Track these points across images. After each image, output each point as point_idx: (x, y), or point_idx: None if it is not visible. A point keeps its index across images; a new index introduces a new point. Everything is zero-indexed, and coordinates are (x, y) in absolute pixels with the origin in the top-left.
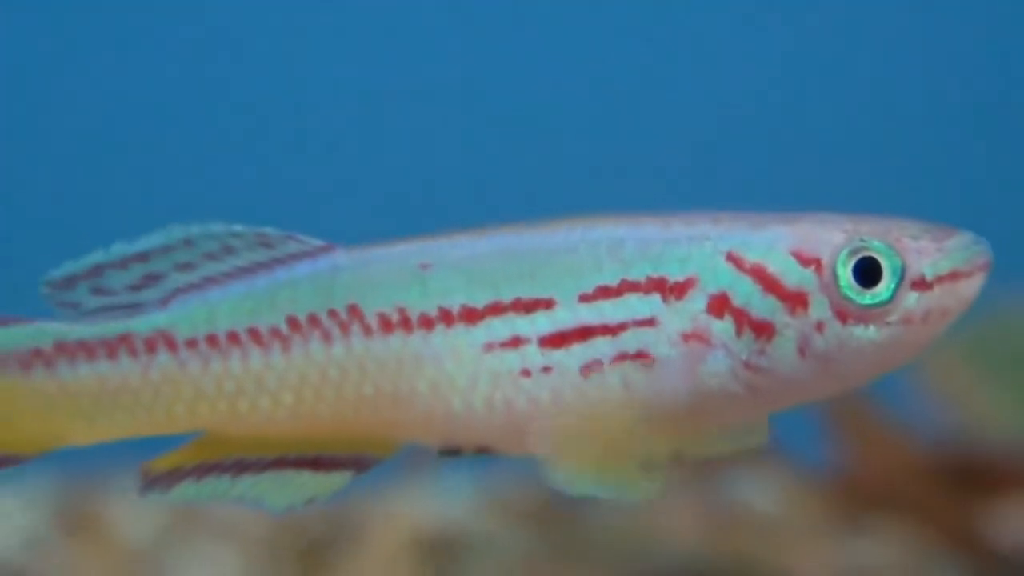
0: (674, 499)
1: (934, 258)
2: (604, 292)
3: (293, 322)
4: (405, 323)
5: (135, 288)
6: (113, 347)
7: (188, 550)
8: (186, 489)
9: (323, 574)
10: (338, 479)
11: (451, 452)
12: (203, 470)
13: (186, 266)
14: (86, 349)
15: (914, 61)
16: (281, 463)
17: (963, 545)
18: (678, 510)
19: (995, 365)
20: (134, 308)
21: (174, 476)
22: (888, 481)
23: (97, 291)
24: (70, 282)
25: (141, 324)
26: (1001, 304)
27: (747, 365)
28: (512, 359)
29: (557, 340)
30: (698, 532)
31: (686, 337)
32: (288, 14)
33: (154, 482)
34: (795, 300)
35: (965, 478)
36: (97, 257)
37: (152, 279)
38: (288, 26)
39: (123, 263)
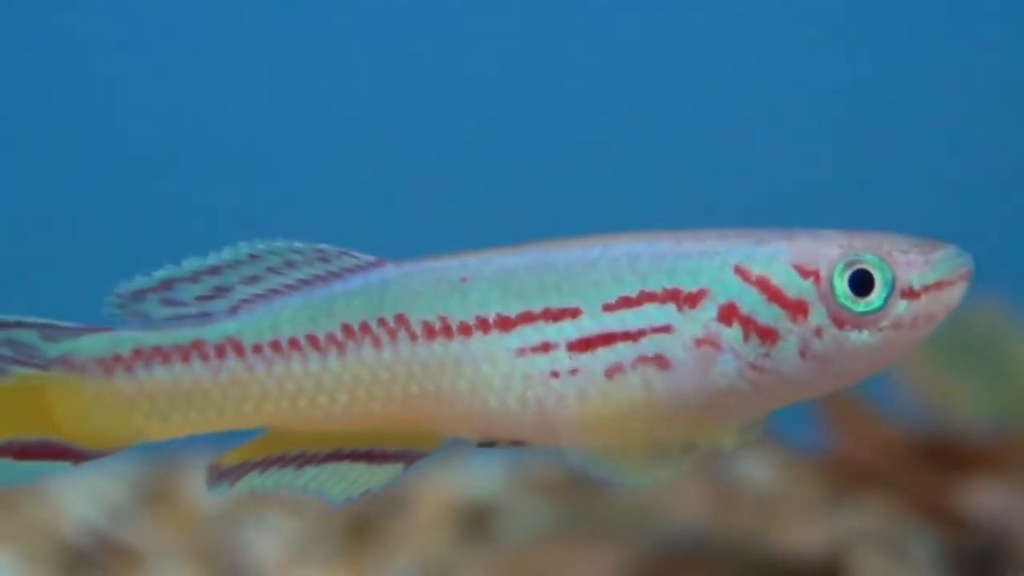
0: (682, 477)
1: (921, 270)
2: (625, 302)
3: (347, 329)
4: (446, 330)
5: (205, 299)
6: (186, 352)
7: (254, 521)
8: (252, 480)
9: (370, 541)
10: (389, 471)
11: (488, 444)
12: (267, 463)
13: (252, 279)
14: (162, 354)
15: (894, 79)
16: (338, 456)
17: (937, 516)
18: (686, 487)
19: (960, 358)
20: (203, 318)
21: (241, 469)
22: (871, 461)
23: (166, 303)
24: (140, 295)
25: (212, 332)
26: (964, 305)
27: (753, 367)
28: (542, 362)
29: (583, 345)
30: (704, 506)
31: (699, 342)
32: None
33: (223, 475)
34: (796, 308)
35: (938, 457)
36: (168, 272)
37: (221, 291)
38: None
39: (194, 277)
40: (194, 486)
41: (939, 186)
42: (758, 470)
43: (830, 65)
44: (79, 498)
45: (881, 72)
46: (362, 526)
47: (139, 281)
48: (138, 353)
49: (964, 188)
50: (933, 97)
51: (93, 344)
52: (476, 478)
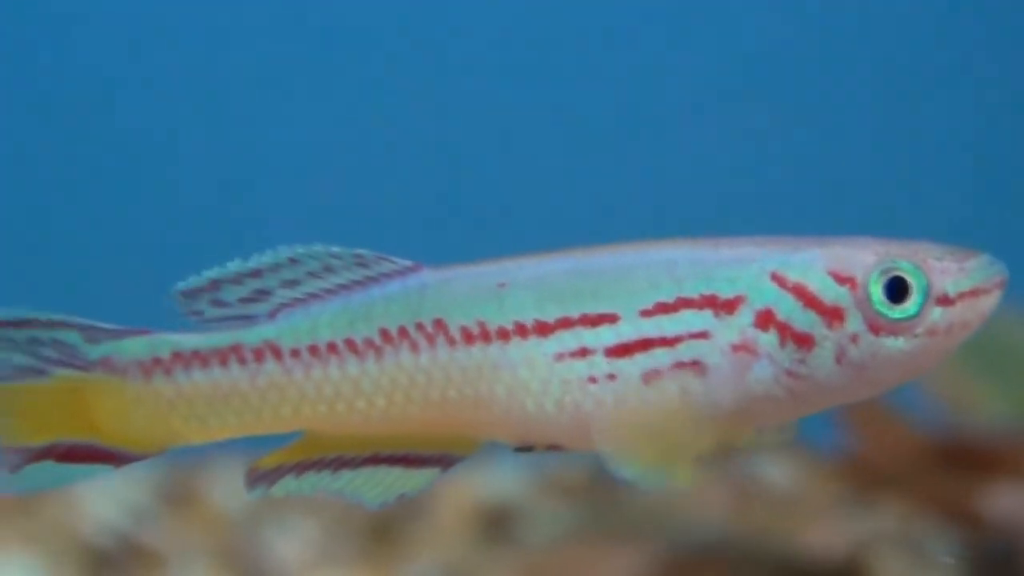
0: (704, 478)
1: (956, 277)
2: (662, 308)
3: (385, 334)
4: (484, 335)
5: (247, 301)
6: (224, 356)
7: (276, 523)
8: (288, 484)
9: (391, 543)
10: (426, 475)
11: (525, 448)
12: (304, 467)
13: (291, 283)
14: (200, 358)
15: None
16: (374, 460)
17: (957, 518)
18: (705, 488)
19: (980, 361)
20: (246, 320)
21: (278, 472)
22: (891, 463)
23: (215, 303)
24: (193, 294)
25: (250, 336)
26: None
27: (789, 373)
28: (580, 367)
29: (620, 351)
30: (725, 507)
31: (735, 348)
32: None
33: (260, 478)
34: (832, 315)
35: (958, 459)
36: (215, 273)
37: (262, 294)
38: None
39: (238, 278)
40: (216, 488)
41: (959, 192)
42: (778, 471)
43: (839, 66)
44: (102, 500)
45: (901, 75)
46: (384, 528)
47: (192, 281)
48: (177, 356)
49: (983, 192)
50: (953, 102)
51: (133, 347)
52: (497, 480)
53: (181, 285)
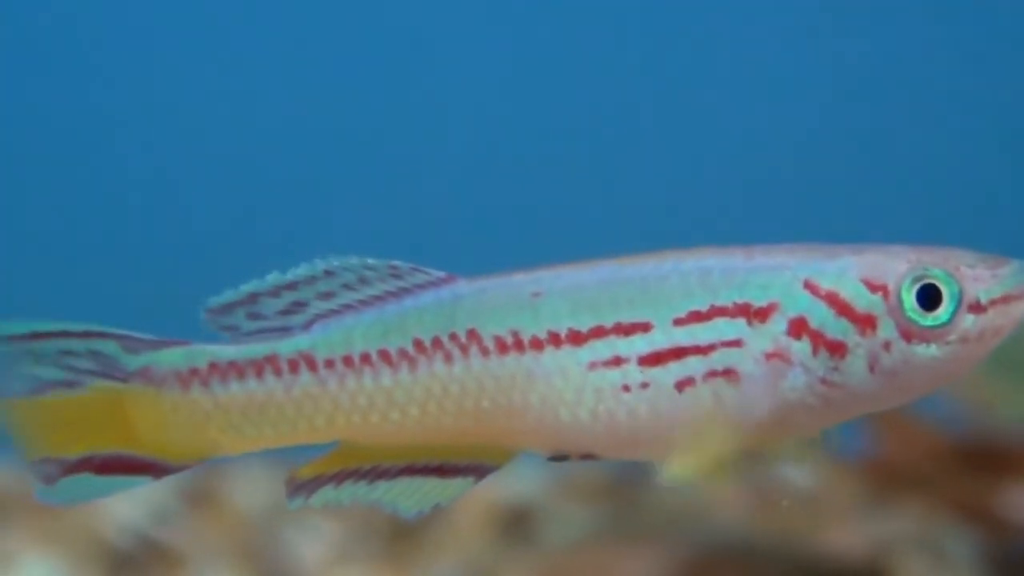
0: (737, 483)
1: (988, 284)
2: (695, 316)
3: (419, 344)
4: (518, 345)
5: (284, 313)
6: (260, 367)
7: (297, 524)
8: (327, 494)
9: (412, 544)
10: (460, 485)
11: (559, 457)
12: (341, 477)
13: (327, 294)
14: (237, 369)
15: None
16: (410, 470)
17: (979, 519)
18: (729, 488)
19: (1003, 364)
20: (283, 332)
21: (317, 482)
22: (912, 464)
23: (252, 316)
24: (229, 308)
25: (286, 346)
26: None
27: (823, 380)
28: (614, 376)
29: (654, 359)
30: (745, 508)
31: (768, 356)
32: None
33: (299, 489)
34: (865, 322)
35: (979, 460)
36: (254, 286)
37: (298, 305)
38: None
39: (275, 291)
40: (237, 489)
41: (994, 199)
42: (798, 473)
43: (875, 65)
44: (123, 500)
45: (914, 83)
46: (404, 529)
47: (228, 295)
48: (214, 367)
49: (1002, 196)
50: (973, 108)
51: (171, 357)
52: (517, 482)
53: (215, 300)
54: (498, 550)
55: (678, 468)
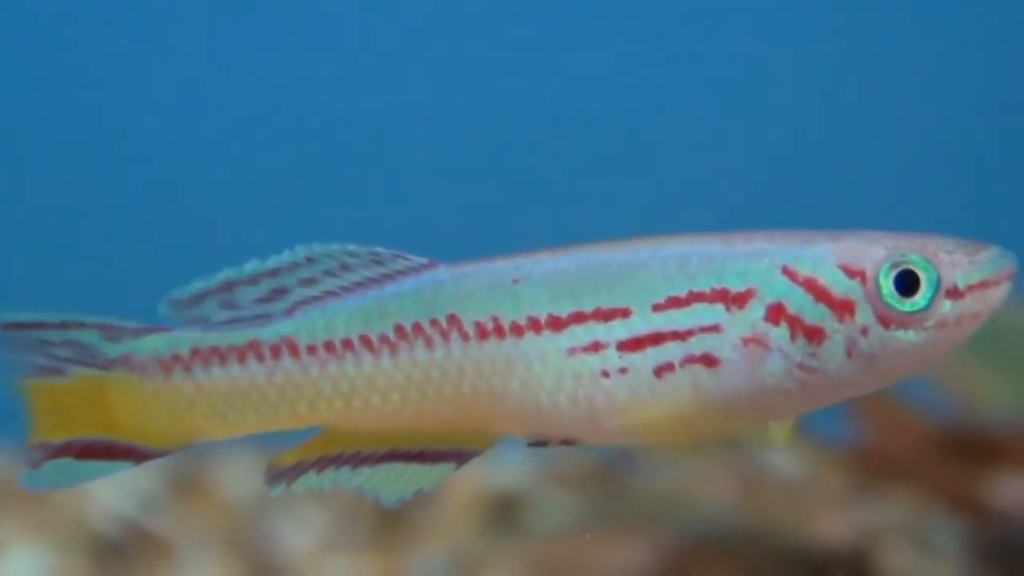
0: (711, 467)
1: (966, 270)
2: (674, 302)
3: (400, 330)
4: (498, 330)
5: (263, 301)
6: (243, 352)
7: (284, 511)
8: (309, 480)
9: (399, 532)
10: (442, 470)
11: (539, 443)
12: (323, 463)
13: (308, 281)
14: (219, 354)
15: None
16: (392, 456)
17: (964, 508)
18: (713, 477)
19: (989, 353)
20: (262, 319)
21: (298, 469)
22: (899, 453)
23: (226, 305)
24: (199, 299)
25: (267, 333)
26: None
27: (801, 366)
28: (593, 361)
29: (633, 345)
30: (733, 497)
31: (747, 342)
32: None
33: (280, 475)
34: (843, 308)
35: (965, 449)
36: (228, 275)
37: (279, 293)
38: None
39: (254, 279)
40: (225, 477)
41: (958, 184)
42: (785, 461)
43: (837, 62)
44: (110, 488)
45: (900, 73)
46: (391, 517)
47: (198, 285)
48: (196, 353)
49: (983, 184)
50: (955, 94)
51: (153, 344)
52: (504, 469)
53: (183, 291)
54: (485, 538)
55: (652, 453)
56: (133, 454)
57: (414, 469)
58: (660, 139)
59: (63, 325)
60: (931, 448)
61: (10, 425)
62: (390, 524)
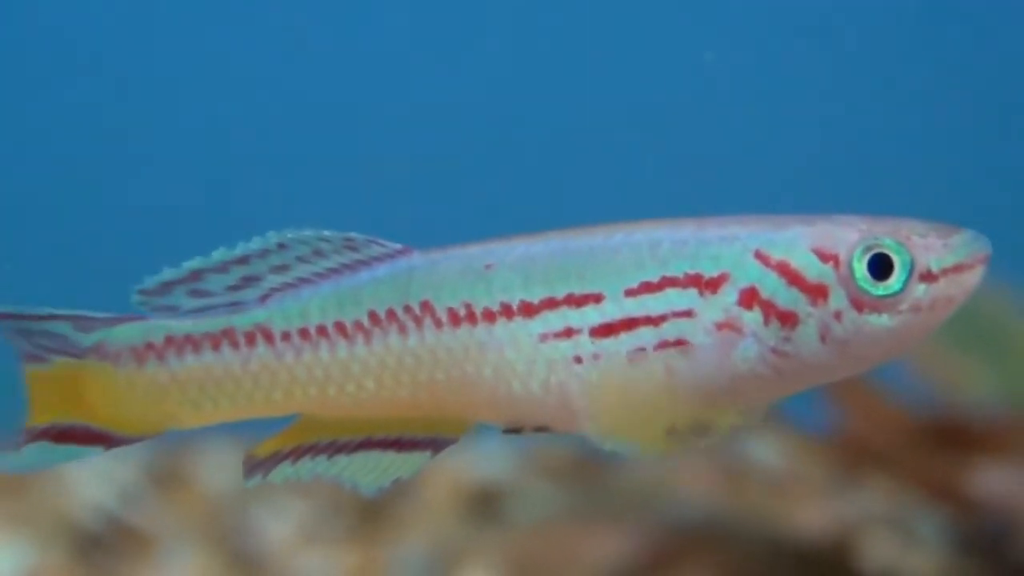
0: (691, 457)
1: (939, 253)
2: (646, 287)
3: (374, 316)
4: (471, 317)
5: (234, 288)
6: (217, 340)
7: (265, 503)
8: (285, 470)
9: (378, 523)
10: (418, 459)
11: (514, 430)
12: (299, 453)
13: (281, 268)
14: (193, 342)
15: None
16: (368, 445)
17: (944, 496)
18: (694, 467)
19: (967, 340)
20: (233, 307)
21: (274, 459)
22: (879, 442)
23: (195, 293)
24: (167, 287)
25: (241, 320)
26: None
27: (774, 350)
28: (565, 347)
29: (605, 330)
30: (713, 486)
31: (720, 326)
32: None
33: (257, 466)
34: (816, 292)
35: (946, 438)
36: (196, 263)
37: (250, 280)
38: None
39: (223, 267)
40: (205, 468)
41: (940, 173)
42: (766, 451)
43: (826, 56)
44: (90, 480)
45: (881, 64)
46: (372, 508)
47: (167, 273)
48: (170, 341)
49: (966, 174)
50: (935, 85)
51: (126, 333)
52: (485, 460)
53: (151, 280)
54: (466, 529)
55: (622, 437)
56: (107, 440)
57: (391, 458)
58: (636, 124)
59: (37, 317)
60: (911, 437)
61: None
62: (370, 515)
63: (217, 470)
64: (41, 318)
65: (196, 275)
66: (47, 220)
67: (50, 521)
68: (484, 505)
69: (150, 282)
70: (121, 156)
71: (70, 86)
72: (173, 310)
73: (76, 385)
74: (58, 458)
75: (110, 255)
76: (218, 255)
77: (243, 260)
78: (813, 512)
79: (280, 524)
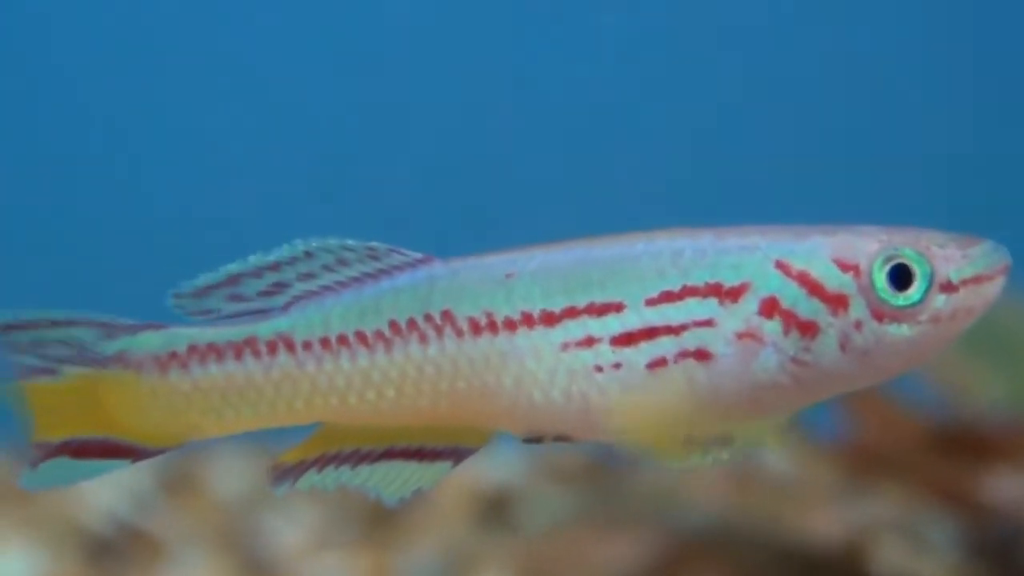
0: (717, 467)
1: (959, 264)
2: (667, 297)
3: (395, 325)
4: (492, 326)
5: (266, 295)
6: (239, 349)
7: (276, 508)
8: (311, 478)
9: (391, 528)
10: (440, 468)
11: (534, 439)
12: (324, 462)
13: (307, 275)
14: (216, 351)
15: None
16: (390, 454)
17: (955, 503)
18: (705, 474)
19: (981, 348)
20: (262, 313)
21: (300, 467)
22: (890, 449)
23: (233, 298)
24: (207, 291)
25: (264, 328)
26: None
27: (794, 360)
28: (586, 356)
29: (626, 339)
30: (724, 493)
31: (740, 336)
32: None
33: (284, 474)
34: (836, 302)
35: (957, 445)
36: (236, 267)
37: (280, 287)
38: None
39: (258, 272)
40: (216, 475)
41: (951, 179)
42: (777, 457)
43: (844, 54)
44: (102, 486)
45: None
46: (383, 513)
47: (204, 277)
48: (193, 350)
49: (977, 180)
50: (949, 88)
51: (149, 341)
52: (497, 465)
53: (189, 284)
54: (478, 535)
55: (644, 447)
56: (130, 452)
57: (412, 468)
58: (655, 134)
59: (57, 323)
60: (922, 443)
61: (4, 426)
62: (382, 520)
63: (228, 476)
64: (64, 323)
65: (234, 279)
66: (34, 224)
67: (62, 527)
68: (496, 510)
69: (186, 286)
70: (121, 157)
71: (99, 95)
72: (210, 314)
73: (96, 396)
74: (82, 474)
75: (92, 262)
76: (254, 260)
77: (276, 267)
78: (824, 519)
79: (291, 530)
